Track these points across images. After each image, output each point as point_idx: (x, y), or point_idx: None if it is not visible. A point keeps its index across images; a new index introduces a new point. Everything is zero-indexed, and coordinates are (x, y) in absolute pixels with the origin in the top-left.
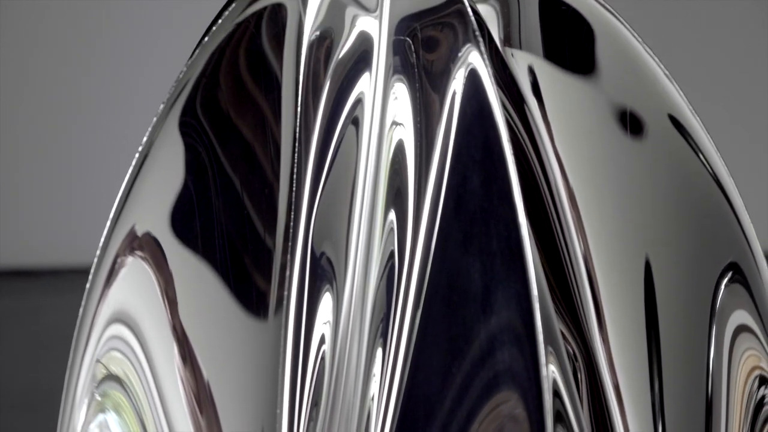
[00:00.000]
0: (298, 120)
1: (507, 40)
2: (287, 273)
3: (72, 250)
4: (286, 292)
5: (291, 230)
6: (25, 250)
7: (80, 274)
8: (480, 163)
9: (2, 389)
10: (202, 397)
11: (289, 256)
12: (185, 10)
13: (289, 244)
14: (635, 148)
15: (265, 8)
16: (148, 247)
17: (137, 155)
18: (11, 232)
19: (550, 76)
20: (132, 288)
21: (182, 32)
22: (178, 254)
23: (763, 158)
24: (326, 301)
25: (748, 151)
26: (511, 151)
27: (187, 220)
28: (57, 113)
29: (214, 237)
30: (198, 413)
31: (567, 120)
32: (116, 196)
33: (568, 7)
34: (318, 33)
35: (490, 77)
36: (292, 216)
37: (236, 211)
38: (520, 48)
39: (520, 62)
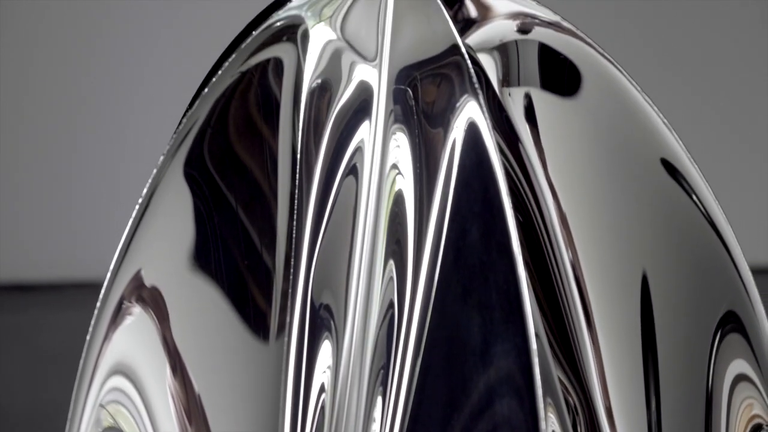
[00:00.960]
0: (298, 169)
1: (505, 80)
2: (288, 300)
3: (73, 265)
4: (288, 318)
5: (291, 277)
6: (24, 264)
7: (81, 288)
8: (479, 215)
9: (2, 408)
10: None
11: (290, 287)
12: (186, 10)
13: (291, 271)
14: (628, 192)
15: (267, 60)
16: (151, 295)
17: (141, 199)
18: (10, 246)
19: (545, 101)
20: (135, 338)
21: (185, 36)
22: (179, 299)
23: (762, 159)
24: (326, 348)
25: (748, 151)
26: (510, 205)
27: (190, 264)
28: (58, 126)
29: (216, 279)
30: None
31: (562, 153)
32: (117, 211)
33: (566, 57)
34: (318, 81)
35: (488, 129)
36: (292, 263)
37: (238, 261)
38: (519, 84)
39: (516, 97)
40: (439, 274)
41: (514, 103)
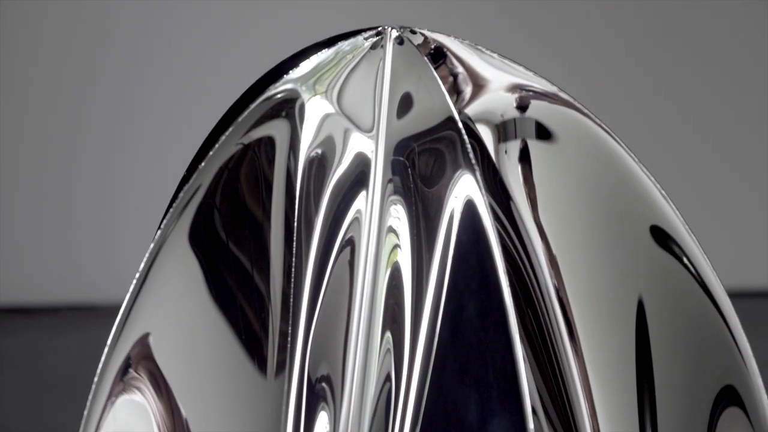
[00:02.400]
0: (295, 240)
1: (503, 137)
2: (288, 340)
3: (71, 288)
4: (288, 358)
5: (289, 343)
6: (22, 287)
7: (79, 312)
8: (476, 292)
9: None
10: None
11: (290, 327)
12: (188, 13)
13: (290, 314)
14: (621, 259)
15: (266, 136)
16: (148, 370)
17: (141, 266)
18: (9, 269)
19: (539, 148)
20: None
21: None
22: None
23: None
24: (322, 419)
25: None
26: (507, 282)
27: (187, 337)
28: (59, 152)
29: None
30: None
31: (553, 194)
32: (116, 236)
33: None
34: (316, 152)
35: (485, 204)
36: (289, 332)
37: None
38: (515, 137)
39: (512, 150)
40: (437, 349)
41: (510, 156)
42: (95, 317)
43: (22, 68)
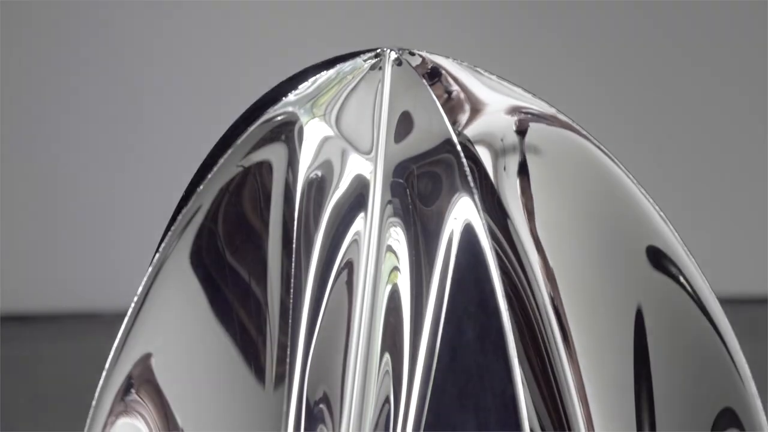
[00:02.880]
0: (294, 262)
1: (503, 158)
2: (287, 352)
3: (71, 295)
4: (287, 371)
5: (287, 369)
6: (22, 294)
7: (78, 319)
8: (474, 316)
9: None
10: None
11: (289, 350)
12: (187, 33)
13: (288, 338)
14: (618, 277)
15: (265, 160)
16: (149, 390)
17: (141, 288)
18: (8, 277)
19: (538, 163)
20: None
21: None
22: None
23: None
24: None
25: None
26: (506, 306)
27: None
28: (59, 161)
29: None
30: None
31: (550, 209)
32: (115, 244)
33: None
34: (315, 174)
35: (484, 228)
36: (288, 354)
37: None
38: (515, 155)
39: (511, 166)
40: (435, 374)
41: (508, 173)
42: (94, 324)
43: (20, 77)
